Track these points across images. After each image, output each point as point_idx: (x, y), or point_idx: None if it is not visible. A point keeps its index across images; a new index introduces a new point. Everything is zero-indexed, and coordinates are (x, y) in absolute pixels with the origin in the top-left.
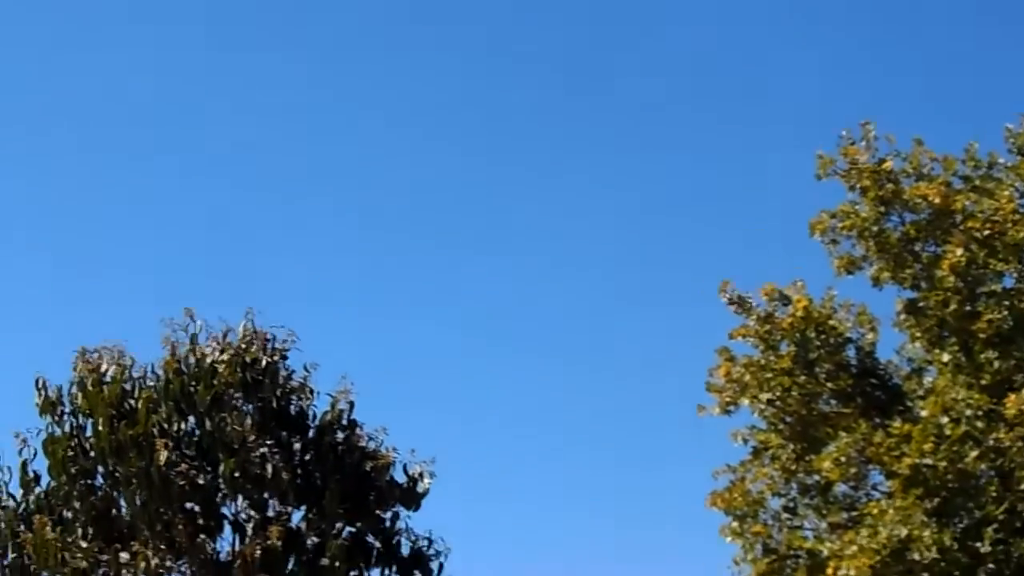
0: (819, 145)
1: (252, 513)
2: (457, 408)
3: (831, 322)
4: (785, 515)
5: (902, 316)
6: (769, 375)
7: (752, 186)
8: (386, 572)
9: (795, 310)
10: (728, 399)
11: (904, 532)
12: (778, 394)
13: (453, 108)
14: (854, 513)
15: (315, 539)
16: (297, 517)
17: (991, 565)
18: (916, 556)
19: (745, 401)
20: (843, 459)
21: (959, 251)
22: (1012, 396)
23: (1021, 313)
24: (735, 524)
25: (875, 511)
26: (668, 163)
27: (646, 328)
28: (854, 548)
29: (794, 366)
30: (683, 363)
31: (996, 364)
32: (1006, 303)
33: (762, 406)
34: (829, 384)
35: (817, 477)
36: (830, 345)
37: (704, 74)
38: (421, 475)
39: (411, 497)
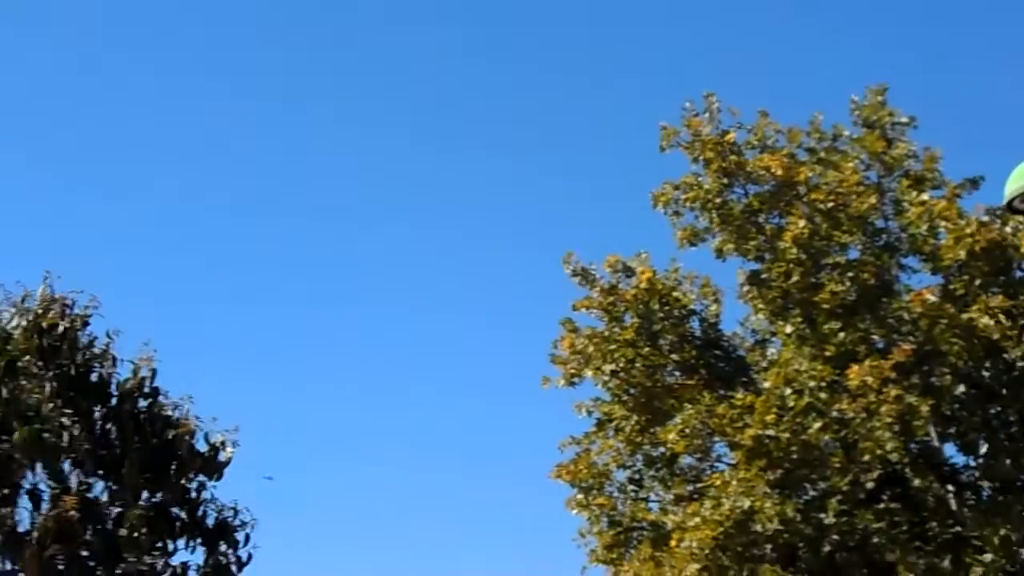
0: (663, 117)
1: (52, 483)
2: (277, 379)
3: (675, 294)
4: (631, 487)
5: (745, 288)
6: (613, 347)
7: (595, 158)
8: (191, 543)
9: (639, 282)
10: (572, 371)
11: (747, 504)
12: (622, 365)
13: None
14: (699, 485)
15: (118, 509)
16: (100, 487)
17: (835, 537)
18: (759, 528)
19: (589, 373)
20: (688, 431)
21: (802, 223)
22: (855, 367)
23: (864, 285)
24: (580, 496)
25: (718, 482)
26: (511, 134)
27: (489, 300)
28: (697, 520)
29: (638, 338)
30: (527, 335)
31: (840, 336)
32: (849, 275)
33: (606, 378)
34: (673, 356)
35: (662, 449)
36: (674, 317)
37: (550, 47)
38: (223, 444)
39: (213, 466)
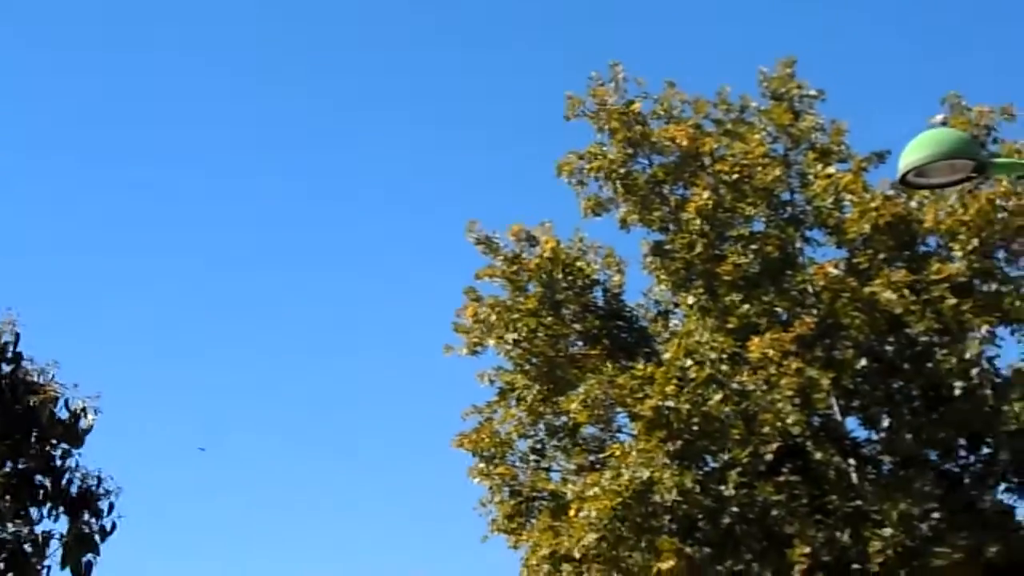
0: (569, 86)
1: None
2: (147, 345)
3: (578, 263)
4: (533, 457)
5: (649, 258)
6: (516, 316)
7: (500, 127)
8: (53, 512)
9: (543, 251)
10: (475, 340)
11: (646, 474)
12: (524, 335)
13: None
14: (602, 455)
15: None
16: None
17: (735, 508)
18: (658, 498)
19: (491, 342)
20: (590, 401)
21: (706, 194)
22: (756, 339)
23: (768, 257)
24: (482, 465)
25: (618, 453)
26: (419, 98)
27: (393, 268)
28: (596, 490)
29: (541, 307)
30: (431, 303)
31: (742, 308)
32: (753, 247)
33: (508, 347)
34: (576, 325)
35: (565, 419)
36: (577, 287)
37: (458, 14)
38: (84, 411)
39: (74, 433)
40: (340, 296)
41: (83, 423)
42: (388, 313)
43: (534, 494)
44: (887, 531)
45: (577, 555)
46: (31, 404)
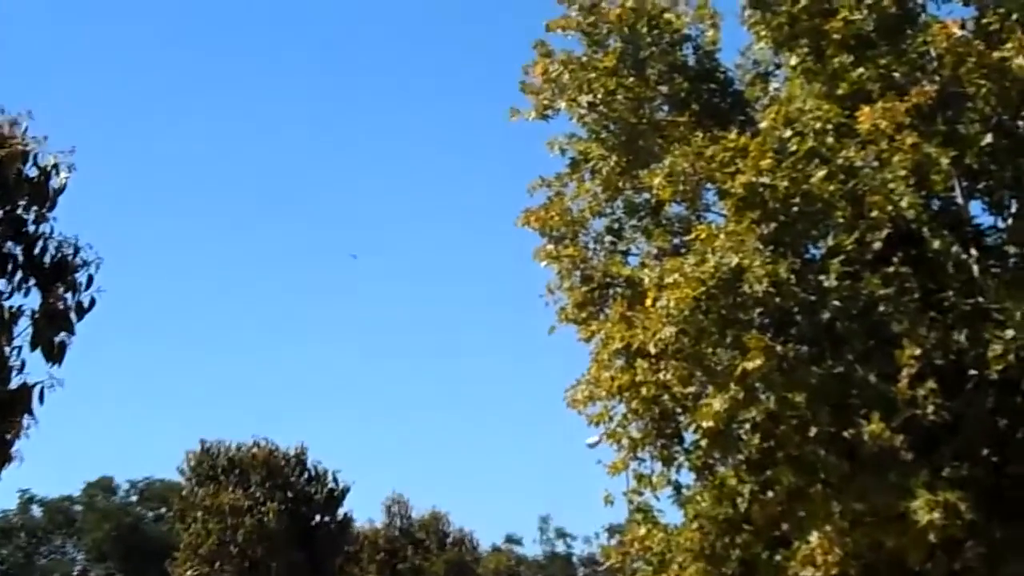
0: None
1: None
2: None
3: (666, 15)
4: (608, 237)
5: (747, 11)
6: (592, 75)
7: None
8: (24, 285)
9: (624, 1)
10: (545, 102)
11: (735, 260)
12: (601, 97)
13: None
14: (686, 238)
15: None
16: None
17: (836, 302)
18: (747, 289)
19: (563, 104)
20: (675, 175)
21: None
22: (866, 109)
23: (884, 14)
24: (551, 247)
25: (704, 235)
26: None
27: (455, 21)
28: (677, 276)
29: (621, 65)
30: (496, 61)
31: (852, 72)
32: (868, 2)
33: (583, 111)
34: (661, 87)
35: (646, 195)
36: (664, 42)
37: None
38: (55, 168)
39: (43, 194)
40: (400, 50)
41: (54, 182)
42: (451, 68)
43: (608, 280)
44: (1010, 332)
45: (653, 350)
46: None
